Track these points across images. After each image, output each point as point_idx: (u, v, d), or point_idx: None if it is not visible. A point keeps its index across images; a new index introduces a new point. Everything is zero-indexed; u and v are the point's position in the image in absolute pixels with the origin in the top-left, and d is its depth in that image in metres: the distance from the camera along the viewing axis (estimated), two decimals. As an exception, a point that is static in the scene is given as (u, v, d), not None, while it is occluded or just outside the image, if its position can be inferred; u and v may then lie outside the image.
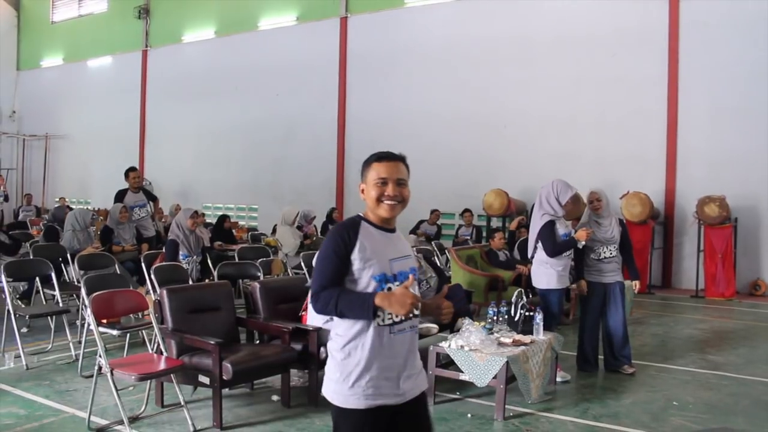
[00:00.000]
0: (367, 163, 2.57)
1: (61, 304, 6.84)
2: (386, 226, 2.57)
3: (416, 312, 2.47)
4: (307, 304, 5.36)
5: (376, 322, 2.43)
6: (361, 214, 2.58)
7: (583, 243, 5.91)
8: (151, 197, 9.80)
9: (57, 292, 6.93)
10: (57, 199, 21.95)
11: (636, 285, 6.35)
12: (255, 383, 5.39)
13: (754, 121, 12.15)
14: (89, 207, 18.69)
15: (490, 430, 4.64)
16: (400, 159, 2.58)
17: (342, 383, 2.47)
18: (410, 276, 2.47)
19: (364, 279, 2.45)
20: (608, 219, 6.10)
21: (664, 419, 4.94)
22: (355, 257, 2.44)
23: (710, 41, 12.61)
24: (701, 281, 11.98)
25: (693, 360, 6.90)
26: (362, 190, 2.57)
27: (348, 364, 2.47)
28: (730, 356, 7.13)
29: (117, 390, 4.29)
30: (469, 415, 4.89)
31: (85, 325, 5.75)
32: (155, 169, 20.58)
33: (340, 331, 2.51)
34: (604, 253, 6.05)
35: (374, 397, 2.45)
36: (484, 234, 13.36)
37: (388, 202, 2.50)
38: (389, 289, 2.43)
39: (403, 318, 2.47)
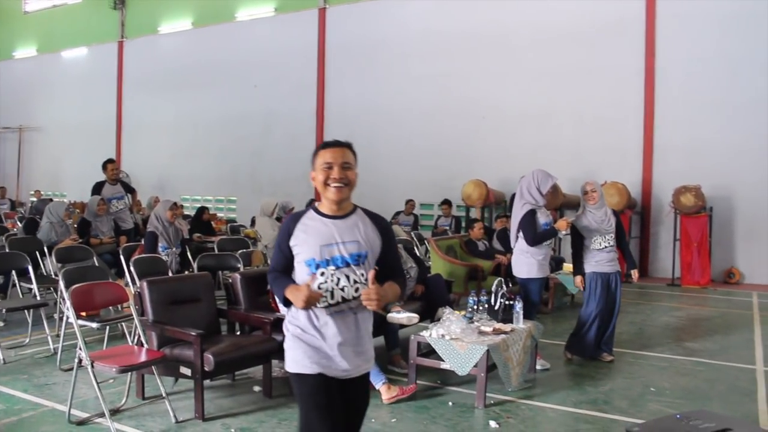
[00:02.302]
0: (315, 152, 2.74)
1: (38, 298, 6.76)
2: (335, 213, 2.72)
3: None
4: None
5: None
6: (315, 204, 2.77)
7: (564, 232, 5.97)
8: (129, 189, 9.71)
9: (34, 286, 6.85)
10: (32, 192, 21.67)
11: (635, 274, 6.41)
12: (236, 374, 5.39)
13: (730, 112, 12.34)
14: (65, 200, 18.48)
15: (471, 417, 4.68)
16: (346, 145, 2.73)
17: (293, 351, 2.70)
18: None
19: (300, 263, 2.69)
20: (603, 209, 6.16)
21: (641, 405, 5.03)
22: (292, 243, 2.69)
23: (687, 34, 12.77)
24: (677, 270, 12.17)
25: (669, 347, 7.01)
26: (313, 178, 2.74)
27: (296, 336, 2.71)
28: (706, 343, 7.26)
29: (97, 383, 4.26)
30: (450, 403, 4.93)
31: (64, 318, 5.69)
32: (132, 162, 20.40)
33: (290, 310, 2.74)
34: (603, 243, 6.11)
35: (320, 366, 2.66)
36: (463, 224, 13.43)
37: (335, 184, 2.65)
38: (322, 273, 2.62)
39: (339, 300, 2.65)
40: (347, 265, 2.65)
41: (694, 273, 11.90)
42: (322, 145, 2.72)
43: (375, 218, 2.80)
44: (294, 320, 2.72)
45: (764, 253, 12.16)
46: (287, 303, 2.66)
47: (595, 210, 6.14)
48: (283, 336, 5.02)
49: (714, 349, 6.93)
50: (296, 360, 2.68)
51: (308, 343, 2.67)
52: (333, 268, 2.63)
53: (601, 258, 6.13)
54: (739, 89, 12.24)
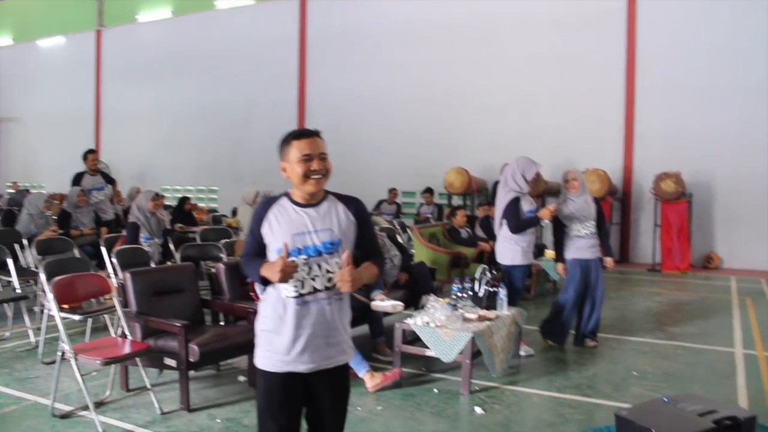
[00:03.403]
0: (286, 142, 2.64)
1: (18, 290, 6.68)
2: (309, 201, 2.66)
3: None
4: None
5: (283, 295, 2.61)
6: (288, 192, 2.70)
7: (547, 221, 6.00)
8: (109, 180, 9.62)
9: (14, 278, 6.76)
10: (9, 184, 21.40)
11: (609, 261, 6.44)
12: (221, 364, 5.37)
13: (710, 99, 12.45)
14: (43, 191, 18.26)
15: (456, 404, 4.71)
16: (317, 134, 2.66)
17: (260, 347, 2.69)
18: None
19: (272, 251, 2.64)
20: (583, 197, 6.20)
21: (624, 389, 5.09)
22: (264, 231, 2.65)
23: (668, 22, 12.85)
24: (657, 255, 12.29)
25: (651, 331, 7.10)
26: (284, 169, 2.65)
27: (264, 331, 2.69)
28: (686, 327, 7.35)
29: (81, 375, 4.22)
30: (435, 390, 4.96)
31: (45, 311, 5.63)
32: (112, 152, 20.19)
33: (260, 304, 2.75)
34: (583, 230, 6.15)
35: (282, 364, 2.62)
36: (445, 212, 13.46)
37: (315, 176, 2.59)
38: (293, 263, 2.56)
39: (311, 290, 2.60)
40: (319, 254, 2.60)
41: (674, 258, 12.04)
42: (294, 135, 2.63)
43: (347, 201, 2.73)
44: (263, 311, 2.69)
45: (742, 239, 12.32)
46: (264, 282, 2.60)
47: (576, 198, 6.18)
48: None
49: (694, 333, 7.03)
50: (260, 356, 2.67)
51: (273, 339, 2.63)
52: (305, 257, 2.58)
53: (581, 244, 6.17)
54: (719, 77, 12.35)
